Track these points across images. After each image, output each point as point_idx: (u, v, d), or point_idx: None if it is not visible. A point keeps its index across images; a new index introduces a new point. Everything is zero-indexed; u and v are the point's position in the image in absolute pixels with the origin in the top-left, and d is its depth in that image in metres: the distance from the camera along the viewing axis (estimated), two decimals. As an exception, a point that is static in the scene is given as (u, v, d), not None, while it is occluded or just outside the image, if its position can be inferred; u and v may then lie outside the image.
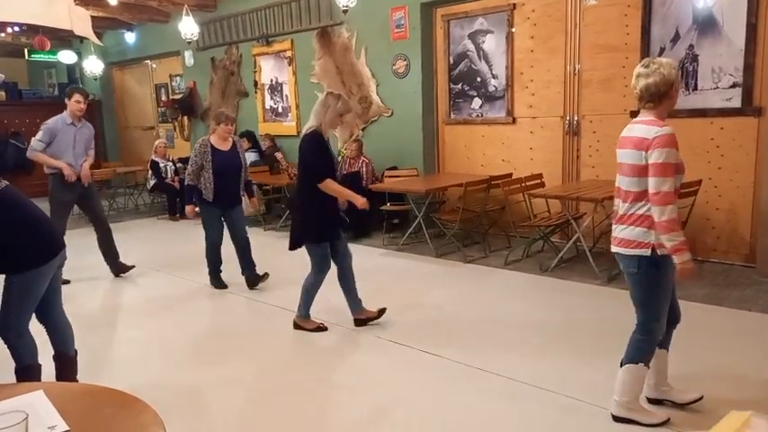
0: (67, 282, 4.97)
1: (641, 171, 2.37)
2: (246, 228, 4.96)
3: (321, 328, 3.90)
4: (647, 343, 2.53)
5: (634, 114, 5.50)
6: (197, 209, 4.73)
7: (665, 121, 2.45)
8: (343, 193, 3.72)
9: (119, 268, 5.47)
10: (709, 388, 2.90)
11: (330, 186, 3.64)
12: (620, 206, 2.53)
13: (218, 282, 4.96)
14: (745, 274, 4.66)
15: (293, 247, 3.83)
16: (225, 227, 4.86)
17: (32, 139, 5.00)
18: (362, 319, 3.92)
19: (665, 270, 2.43)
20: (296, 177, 3.87)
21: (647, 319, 2.51)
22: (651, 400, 2.73)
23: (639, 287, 2.50)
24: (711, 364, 3.17)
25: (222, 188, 4.65)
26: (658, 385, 2.72)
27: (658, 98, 2.42)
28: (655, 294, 2.47)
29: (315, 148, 3.60)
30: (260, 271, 4.92)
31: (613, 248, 2.56)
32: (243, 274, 4.90)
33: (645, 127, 2.41)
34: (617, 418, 2.61)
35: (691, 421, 2.60)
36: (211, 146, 4.67)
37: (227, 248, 4.90)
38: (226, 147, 4.74)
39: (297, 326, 3.93)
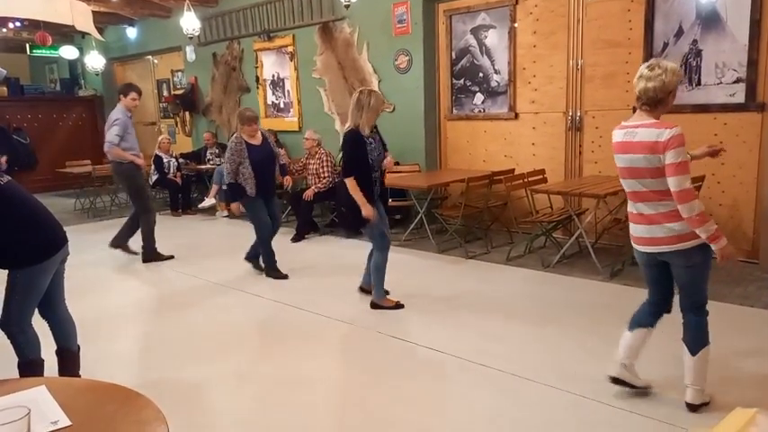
0: (136, 253, 5.67)
1: (662, 172, 2.45)
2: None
3: (399, 305, 4.14)
4: (707, 322, 2.67)
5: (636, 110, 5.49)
6: (242, 207, 4.90)
7: (663, 119, 2.53)
8: (357, 197, 3.87)
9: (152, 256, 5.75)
10: (714, 385, 2.90)
11: (351, 184, 3.85)
12: (645, 207, 2.56)
13: (277, 272, 5.03)
14: (748, 270, 4.65)
15: (356, 228, 4.25)
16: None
17: (108, 133, 5.32)
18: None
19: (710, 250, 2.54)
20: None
21: (703, 299, 2.67)
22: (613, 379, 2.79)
23: (699, 274, 2.61)
24: (715, 361, 3.15)
25: (262, 181, 4.81)
26: (624, 362, 2.78)
27: (655, 103, 2.51)
28: (707, 275, 2.64)
29: (349, 145, 3.85)
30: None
31: (664, 248, 2.55)
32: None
33: (653, 130, 2.45)
34: (695, 407, 2.65)
35: (696, 418, 2.59)
36: (246, 143, 4.79)
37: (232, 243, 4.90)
38: (257, 141, 4.89)
39: (375, 305, 4.16)
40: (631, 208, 2.65)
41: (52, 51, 10.59)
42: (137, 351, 3.76)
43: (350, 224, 4.12)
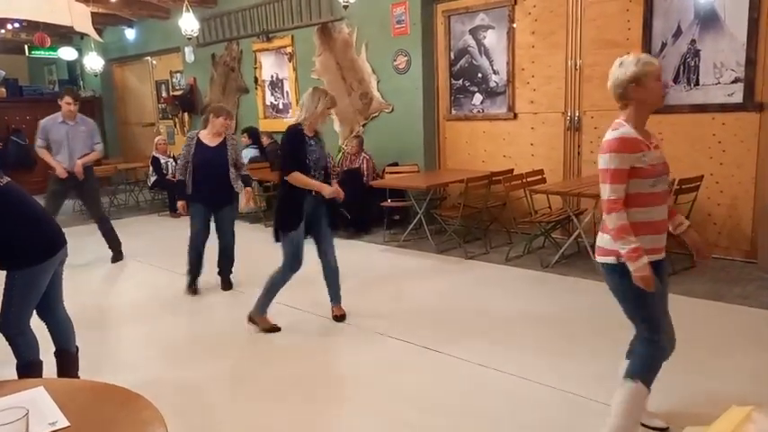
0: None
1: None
2: (234, 232, 4.80)
3: (275, 329, 3.87)
4: (651, 358, 2.34)
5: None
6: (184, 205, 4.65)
7: (627, 122, 2.27)
8: (311, 184, 3.67)
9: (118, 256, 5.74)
10: (711, 383, 2.91)
11: (297, 178, 3.63)
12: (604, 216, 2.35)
13: (190, 286, 4.74)
14: (747, 270, 4.65)
15: (275, 239, 3.81)
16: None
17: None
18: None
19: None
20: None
21: (642, 330, 2.36)
22: None
23: (622, 297, 2.32)
24: (713, 360, 3.16)
25: (203, 185, 4.53)
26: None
27: (619, 99, 2.28)
28: (638, 303, 2.27)
29: (288, 140, 3.67)
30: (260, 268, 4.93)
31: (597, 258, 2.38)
32: (218, 273, 4.88)
33: (609, 131, 2.28)
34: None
35: (692, 416, 2.59)
36: (198, 140, 4.59)
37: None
38: (214, 143, 4.60)
39: (251, 320, 3.94)
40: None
41: (51, 52, 10.58)
42: (136, 352, 3.75)
43: (276, 230, 3.75)
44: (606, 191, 2.22)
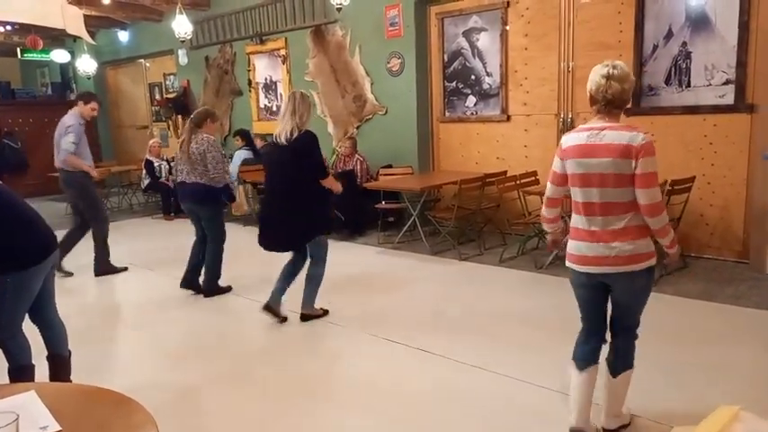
0: (71, 274, 5.39)
1: (628, 181, 2.23)
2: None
3: (326, 312, 4.08)
4: (635, 346, 2.51)
5: (628, 112, 5.52)
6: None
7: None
8: (336, 185, 3.88)
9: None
10: (700, 383, 2.93)
11: (330, 181, 3.81)
12: (596, 221, 2.30)
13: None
14: (738, 270, 4.68)
15: (299, 245, 3.89)
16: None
17: (64, 141, 5.07)
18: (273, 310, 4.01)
19: None
20: (280, 181, 3.78)
21: (638, 322, 2.47)
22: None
23: (642, 297, 2.41)
24: (703, 359, 3.18)
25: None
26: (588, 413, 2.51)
27: (623, 105, 2.33)
28: (647, 299, 2.43)
29: (317, 145, 3.74)
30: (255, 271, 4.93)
31: (611, 269, 2.30)
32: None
33: (624, 133, 2.24)
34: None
35: (680, 416, 2.61)
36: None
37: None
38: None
39: (305, 317, 4.01)
40: (579, 222, 2.37)
41: (43, 55, 10.53)
42: (130, 355, 3.74)
43: (318, 226, 3.85)
44: (657, 193, 2.25)
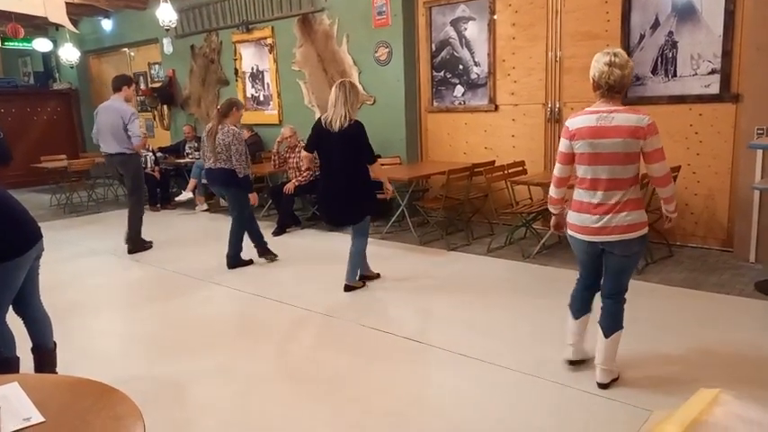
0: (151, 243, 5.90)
1: (635, 158, 2.55)
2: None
3: (372, 277, 4.53)
4: (624, 308, 2.79)
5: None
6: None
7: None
8: (384, 174, 4.33)
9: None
10: (683, 368, 2.97)
11: (378, 166, 4.26)
12: (604, 195, 2.58)
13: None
14: (723, 259, 4.74)
15: (358, 220, 4.21)
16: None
17: (135, 128, 5.43)
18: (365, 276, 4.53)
19: None
20: (338, 163, 4.09)
21: (627, 286, 2.76)
22: (574, 362, 2.98)
23: (634, 262, 2.72)
24: (687, 345, 3.22)
25: None
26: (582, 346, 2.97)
27: (624, 90, 2.61)
28: (637, 264, 2.79)
29: (366, 134, 4.05)
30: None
31: (613, 237, 2.59)
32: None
33: (632, 116, 2.52)
34: (605, 385, 2.79)
35: (661, 399, 2.64)
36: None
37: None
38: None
39: (348, 288, 4.34)
40: (584, 196, 2.65)
41: (25, 44, 10.35)
42: (117, 347, 3.71)
43: (371, 209, 4.27)
44: (666, 166, 2.57)
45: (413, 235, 5.75)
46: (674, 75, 4.99)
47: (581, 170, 2.64)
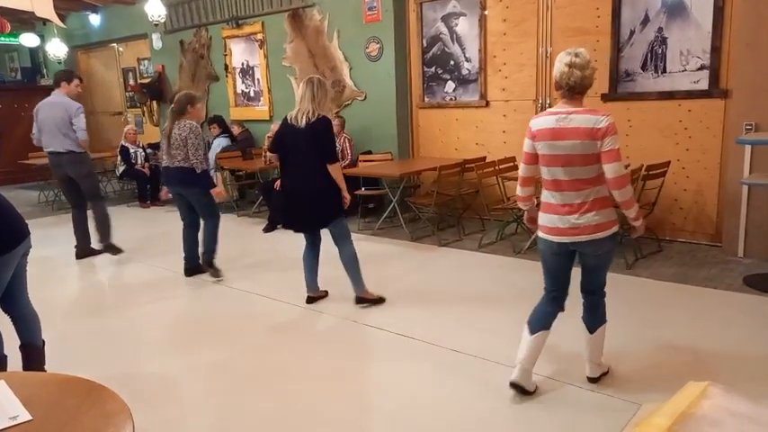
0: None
1: (594, 159, 2.47)
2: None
3: (381, 299, 4.06)
4: (605, 303, 2.78)
5: (605, 97, 5.55)
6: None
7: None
8: (342, 181, 3.86)
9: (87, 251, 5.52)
10: (671, 361, 3.00)
11: (338, 169, 3.84)
12: (566, 196, 2.54)
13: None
14: (712, 254, 4.77)
15: (324, 225, 3.91)
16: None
17: (80, 122, 5.10)
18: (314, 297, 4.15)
19: None
20: (304, 161, 3.82)
21: (605, 282, 2.75)
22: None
23: (609, 258, 2.68)
24: (676, 338, 3.25)
25: None
26: (530, 369, 2.75)
27: (585, 90, 2.55)
28: (612, 260, 2.73)
29: (332, 132, 3.83)
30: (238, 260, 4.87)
31: (582, 237, 2.54)
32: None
33: (590, 116, 2.46)
34: (595, 379, 2.80)
35: (650, 392, 2.66)
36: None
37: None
38: None
39: (360, 300, 4.01)
40: (550, 197, 2.62)
41: (12, 39, 10.23)
42: (106, 345, 3.68)
43: (335, 211, 3.86)
44: (621, 167, 2.47)
45: (404, 231, 5.75)
46: (664, 71, 5.01)
47: (544, 171, 2.62)
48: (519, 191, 2.80)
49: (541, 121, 2.57)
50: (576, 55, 2.48)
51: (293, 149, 3.82)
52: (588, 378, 2.81)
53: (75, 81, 5.24)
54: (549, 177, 2.59)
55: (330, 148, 3.80)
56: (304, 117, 3.74)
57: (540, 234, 2.68)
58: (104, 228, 5.40)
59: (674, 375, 2.81)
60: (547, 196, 2.64)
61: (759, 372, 2.88)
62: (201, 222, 4.71)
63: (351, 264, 3.95)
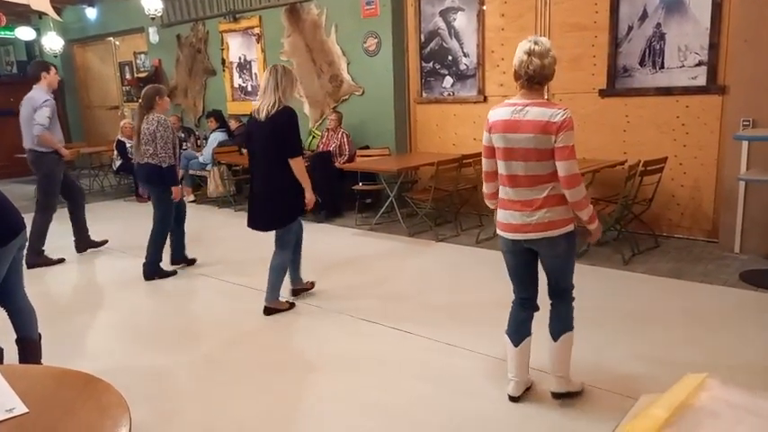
0: (63, 260, 5.16)
1: (549, 155, 2.34)
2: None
3: (292, 305, 3.91)
4: (572, 308, 2.60)
5: (603, 93, 5.54)
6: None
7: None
8: (305, 179, 3.63)
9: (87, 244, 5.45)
10: (669, 354, 3.01)
11: (300, 165, 3.61)
12: (521, 192, 2.41)
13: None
14: (708, 250, 4.78)
15: (273, 228, 3.73)
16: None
17: (40, 115, 4.71)
18: (299, 290, 4.09)
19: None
20: (263, 157, 3.62)
21: (569, 285, 2.58)
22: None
23: (567, 259, 2.51)
24: (672, 333, 3.26)
25: None
26: (525, 377, 2.70)
27: (545, 81, 2.43)
28: (574, 262, 2.56)
29: (295, 123, 3.60)
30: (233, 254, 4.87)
31: (534, 235, 2.41)
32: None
33: (545, 110, 2.34)
34: (559, 395, 2.60)
35: (647, 384, 2.66)
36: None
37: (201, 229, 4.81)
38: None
39: (270, 310, 3.82)
40: (504, 193, 2.49)
41: (7, 32, 10.16)
42: (103, 338, 3.68)
43: (293, 211, 3.65)
44: (574, 165, 2.33)
45: (402, 226, 5.75)
46: (662, 66, 5.01)
47: (499, 165, 2.46)
48: (484, 187, 2.63)
49: (498, 113, 2.43)
50: (536, 42, 2.36)
51: (258, 145, 3.64)
52: (552, 393, 2.60)
53: (53, 69, 4.93)
54: (505, 172, 2.44)
55: (292, 141, 3.55)
56: (264, 110, 3.52)
57: (497, 231, 2.57)
58: (37, 238, 4.99)
59: (671, 369, 2.82)
60: (502, 192, 2.50)
61: (755, 365, 2.89)
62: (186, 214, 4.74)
63: (276, 272, 3.79)
